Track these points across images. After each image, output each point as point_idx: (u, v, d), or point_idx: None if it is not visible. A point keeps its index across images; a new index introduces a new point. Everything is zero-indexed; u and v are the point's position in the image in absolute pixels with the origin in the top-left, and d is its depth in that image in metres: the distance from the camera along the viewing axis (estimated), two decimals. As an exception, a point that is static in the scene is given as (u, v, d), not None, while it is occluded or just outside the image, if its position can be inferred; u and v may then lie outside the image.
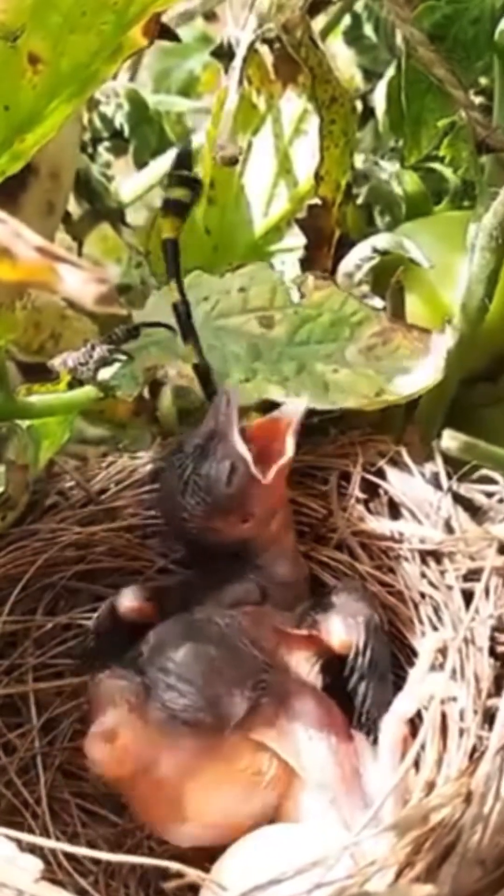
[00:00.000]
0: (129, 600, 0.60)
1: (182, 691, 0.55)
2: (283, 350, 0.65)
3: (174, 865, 0.48)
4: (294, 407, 0.59)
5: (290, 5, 0.66)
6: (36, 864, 0.46)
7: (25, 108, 0.52)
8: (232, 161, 0.66)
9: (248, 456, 0.58)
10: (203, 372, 0.64)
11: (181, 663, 0.55)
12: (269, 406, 0.63)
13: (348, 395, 0.63)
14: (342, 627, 0.58)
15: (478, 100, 0.76)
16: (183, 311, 0.63)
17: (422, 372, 0.64)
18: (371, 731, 0.56)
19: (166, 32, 0.66)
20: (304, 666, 0.58)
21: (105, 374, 0.64)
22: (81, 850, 0.51)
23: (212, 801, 0.55)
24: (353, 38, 0.92)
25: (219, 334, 0.65)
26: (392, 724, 0.56)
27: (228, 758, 0.55)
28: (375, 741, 0.56)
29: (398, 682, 0.58)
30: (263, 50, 0.72)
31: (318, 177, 0.71)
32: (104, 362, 0.64)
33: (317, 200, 0.72)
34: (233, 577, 0.60)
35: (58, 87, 0.52)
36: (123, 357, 0.64)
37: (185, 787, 0.54)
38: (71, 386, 0.66)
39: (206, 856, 0.55)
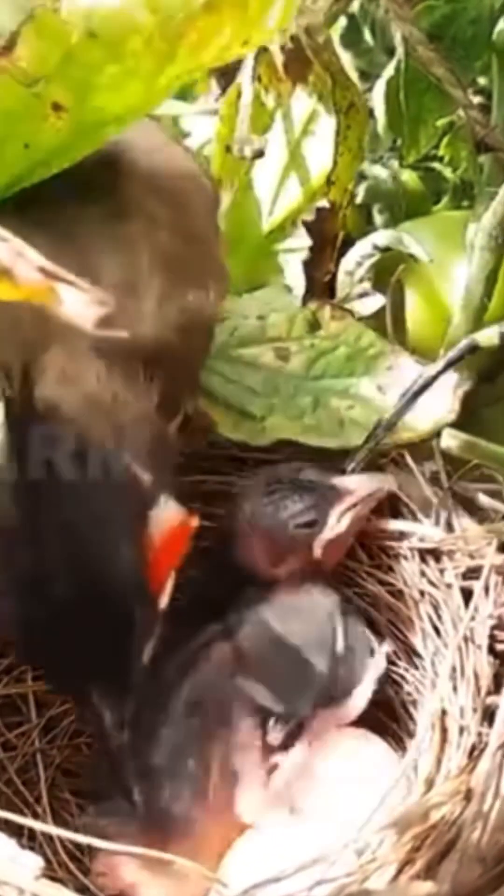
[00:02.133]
0: None
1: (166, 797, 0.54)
2: (298, 384, 0.65)
3: (177, 860, 0.49)
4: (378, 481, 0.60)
5: (314, 9, 0.66)
6: (36, 862, 0.46)
7: (46, 148, 0.52)
8: (259, 154, 0.66)
9: (329, 533, 0.59)
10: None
11: (156, 772, 0.55)
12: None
13: (363, 433, 0.63)
14: None
15: (476, 99, 0.76)
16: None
17: (437, 409, 0.64)
18: None
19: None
20: None
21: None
22: (83, 838, 0.51)
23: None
24: (350, 41, 0.92)
25: (236, 366, 0.65)
26: None
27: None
28: None
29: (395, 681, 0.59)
30: (272, 48, 0.72)
31: (329, 181, 0.71)
32: None
33: (325, 203, 0.72)
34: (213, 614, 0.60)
35: (81, 133, 0.52)
36: None
37: None
38: None
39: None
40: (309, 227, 0.73)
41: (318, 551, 0.59)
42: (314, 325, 0.66)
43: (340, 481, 0.60)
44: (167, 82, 0.51)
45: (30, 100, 0.50)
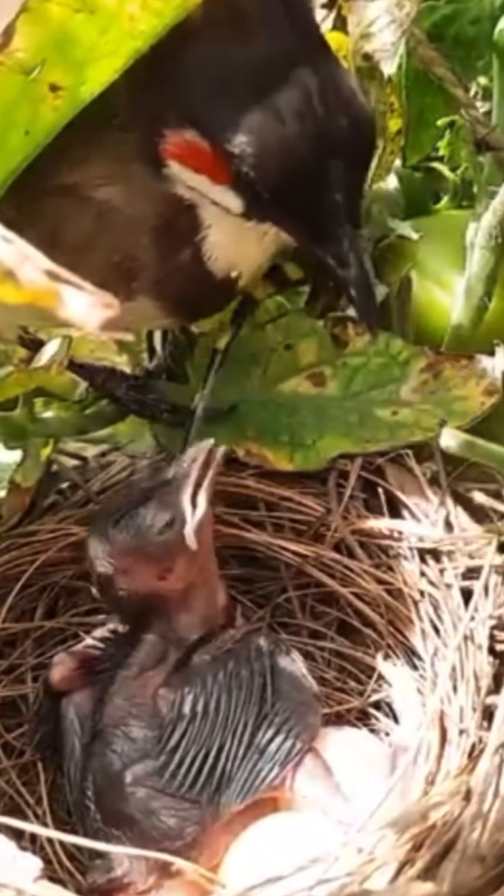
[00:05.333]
0: (59, 672, 0.60)
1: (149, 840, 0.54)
2: (341, 405, 0.66)
3: (176, 861, 0.49)
4: (208, 450, 0.58)
5: (380, 38, 0.66)
6: (35, 863, 0.46)
7: (45, 129, 0.53)
8: None
9: (192, 520, 0.57)
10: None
11: (125, 828, 0.55)
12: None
13: (414, 431, 0.64)
14: None
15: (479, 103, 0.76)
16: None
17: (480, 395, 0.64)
18: None
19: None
20: None
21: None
22: (82, 841, 0.51)
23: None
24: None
25: (284, 407, 0.66)
26: None
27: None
28: None
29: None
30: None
31: None
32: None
33: None
34: (141, 630, 0.59)
35: (79, 104, 0.53)
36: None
37: None
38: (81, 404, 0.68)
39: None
40: None
41: (192, 544, 0.57)
42: (342, 344, 0.67)
43: (173, 470, 0.58)
44: (162, 30, 0.51)
45: (28, 86, 0.51)
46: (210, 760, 0.55)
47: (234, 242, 0.57)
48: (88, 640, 0.61)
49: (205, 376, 0.66)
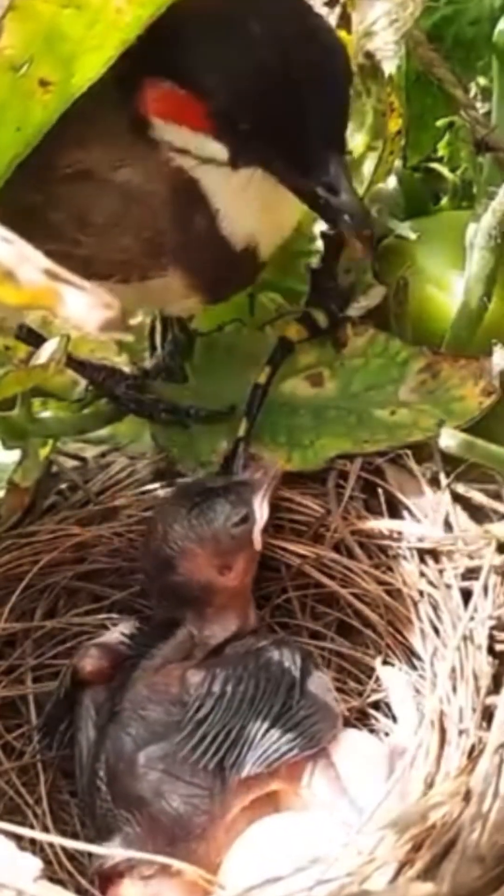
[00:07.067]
0: (90, 664, 0.60)
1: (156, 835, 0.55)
2: (339, 406, 0.66)
3: (174, 863, 0.49)
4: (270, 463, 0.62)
5: (383, 36, 0.66)
6: (35, 864, 0.46)
7: (36, 124, 0.53)
8: None
9: (260, 521, 0.60)
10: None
11: (135, 810, 0.55)
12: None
13: (412, 431, 0.64)
14: None
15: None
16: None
17: (478, 396, 0.65)
18: None
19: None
20: None
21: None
22: (82, 845, 0.51)
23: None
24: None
25: (282, 408, 0.66)
26: None
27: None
28: None
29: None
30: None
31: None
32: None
33: None
34: (174, 626, 0.60)
35: (67, 98, 0.53)
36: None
37: None
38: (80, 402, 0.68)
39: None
40: (327, 236, 0.72)
41: (258, 543, 0.60)
42: (340, 345, 0.67)
43: (248, 476, 0.62)
44: (147, 20, 0.52)
45: (17, 83, 0.51)
46: (231, 738, 0.55)
47: (244, 210, 0.57)
48: (115, 634, 0.62)
49: (247, 411, 0.66)
